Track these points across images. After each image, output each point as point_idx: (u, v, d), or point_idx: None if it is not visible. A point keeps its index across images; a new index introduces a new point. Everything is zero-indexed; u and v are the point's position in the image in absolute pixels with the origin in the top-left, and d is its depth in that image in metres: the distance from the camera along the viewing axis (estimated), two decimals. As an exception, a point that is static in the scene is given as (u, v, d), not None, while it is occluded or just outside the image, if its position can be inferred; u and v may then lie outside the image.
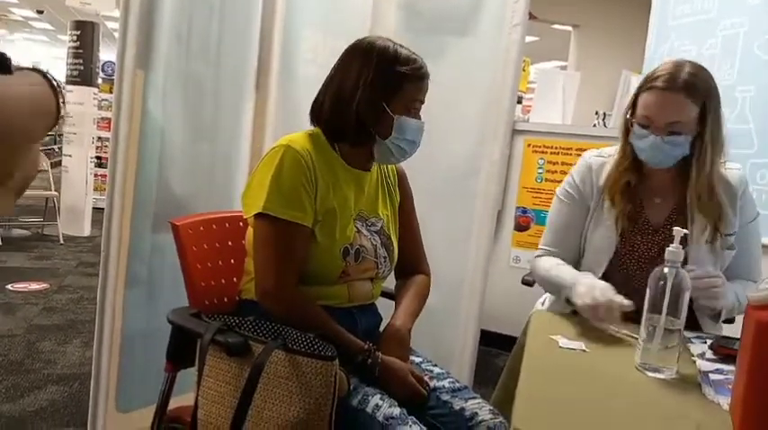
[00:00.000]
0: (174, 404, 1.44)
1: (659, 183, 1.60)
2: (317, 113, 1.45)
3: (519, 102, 4.15)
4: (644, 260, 1.58)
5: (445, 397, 1.36)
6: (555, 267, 1.62)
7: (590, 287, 1.43)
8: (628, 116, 1.56)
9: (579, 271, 1.62)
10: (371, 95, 1.37)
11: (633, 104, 1.55)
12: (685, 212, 1.56)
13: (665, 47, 2.81)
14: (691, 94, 1.46)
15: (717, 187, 1.53)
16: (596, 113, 5.22)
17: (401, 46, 1.43)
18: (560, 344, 1.31)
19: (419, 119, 1.45)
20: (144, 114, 1.86)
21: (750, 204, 1.61)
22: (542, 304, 1.80)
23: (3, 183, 0.61)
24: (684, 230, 1.23)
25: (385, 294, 1.58)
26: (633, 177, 1.59)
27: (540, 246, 1.72)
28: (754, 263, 1.61)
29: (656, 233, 1.59)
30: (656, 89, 1.48)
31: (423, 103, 1.45)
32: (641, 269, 1.56)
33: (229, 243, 1.60)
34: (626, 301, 1.38)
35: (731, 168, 1.59)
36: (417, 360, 1.47)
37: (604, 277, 1.59)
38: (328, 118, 1.42)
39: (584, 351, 1.28)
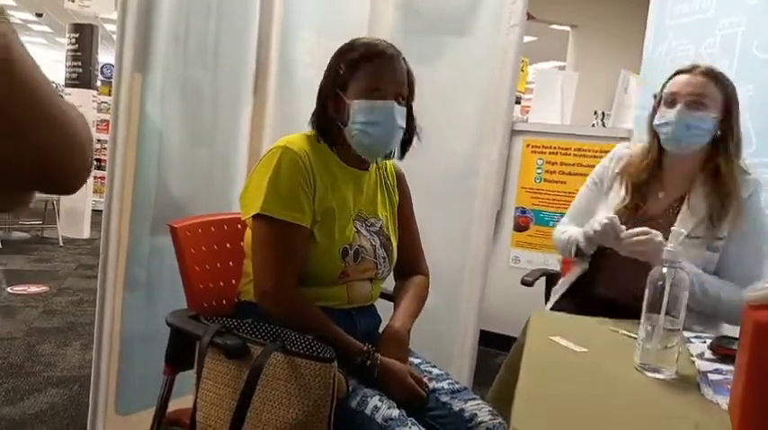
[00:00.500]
0: (173, 406, 1.44)
1: (670, 180, 1.67)
2: (312, 116, 1.47)
3: (517, 102, 4.15)
4: None
5: (444, 398, 1.36)
6: (566, 231, 1.78)
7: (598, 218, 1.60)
8: (654, 109, 1.66)
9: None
10: (329, 85, 1.40)
11: (659, 101, 1.65)
12: (681, 205, 1.62)
13: (663, 46, 2.81)
14: (715, 80, 1.59)
15: (736, 187, 1.58)
16: (595, 113, 5.23)
17: (369, 38, 1.45)
18: (560, 344, 1.31)
19: (383, 98, 1.38)
20: (142, 117, 1.86)
21: (753, 212, 1.60)
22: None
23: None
24: (683, 230, 1.24)
25: (384, 295, 1.58)
26: (649, 173, 1.68)
27: (562, 220, 1.89)
28: (746, 270, 1.58)
29: (650, 220, 1.64)
30: (683, 73, 1.62)
31: (388, 84, 1.38)
32: (627, 257, 1.60)
33: (228, 245, 1.60)
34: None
35: (745, 177, 1.62)
36: (416, 361, 1.47)
37: (598, 258, 1.69)
38: (316, 119, 1.45)
39: (583, 351, 1.28)
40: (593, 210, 1.78)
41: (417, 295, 1.54)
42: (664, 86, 1.66)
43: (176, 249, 1.49)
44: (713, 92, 1.58)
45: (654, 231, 1.50)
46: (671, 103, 1.61)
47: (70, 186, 0.65)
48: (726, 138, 1.59)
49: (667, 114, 1.61)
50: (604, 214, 1.65)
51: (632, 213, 1.67)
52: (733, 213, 1.58)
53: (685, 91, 1.59)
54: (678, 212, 1.63)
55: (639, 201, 1.69)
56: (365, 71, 1.38)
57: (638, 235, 1.50)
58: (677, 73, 1.64)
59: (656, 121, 1.65)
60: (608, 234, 1.54)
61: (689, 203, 1.62)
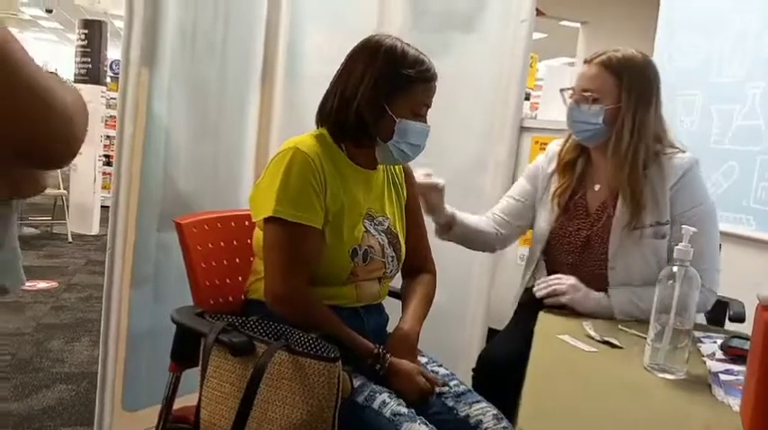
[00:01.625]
0: (181, 403, 1.44)
1: (603, 173, 1.66)
2: (322, 113, 1.44)
3: (527, 98, 4.12)
4: (574, 245, 1.66)
5: (450, 402, 1.35)
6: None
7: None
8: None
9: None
10: (373, 95, 1.35)
11: None
12: (617, 199, 1.61)
13: (673, 43, 2.78)
14: (606, 68, 1.57)
15: (638, 170, 1.55)
16: (605, 110, 5.18)
17: (409, 45, 1.40)
18: (570, 344, 1.30)
19: (425, 122, 1.43)
20: (149, 112, 1.86)
21: (689, 193, 1.56)
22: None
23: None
24: (693, 229, 1.22)
25: (391, 293, 1.57)
26: (578, 157, 1.70)
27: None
28: (697, 253, 1.56)
29: (587, 217, 1.66)
30: (584, 63, 1.63)
31: (429, 106, 1.43)
32: (572, 253, 1.65)
33: (234, 242, 1.59)
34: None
35: (679, 154, 1.59)
36: (423, 360, 1.45)
37: (544, 255, 1.74)
38: (332, 116, 1.40)
39: (592, 351, 1.27)
40: (519, 199, 1.79)
41: (425, 295, 1.52)
42: None
43: (182, 246, 1.49)
44: (605, 83, 1.56)
45: (564, 277, 1.55)
46: (571, 96, 1.63)
47: (60, 157, 0.68)
48: (622, 126, 1.55)
49: (567, 109, 1.64)
50: (545, 214, 1.71)
51: (570, 207, 1.68)
52: (663, 201, 1.55)
53: (577, 85, 1.61)
54: (615, 205, 1.61)
55: (578, 193, 1.69)
56: (417, 92, 1.38)
57: (550, 282, 1.55)
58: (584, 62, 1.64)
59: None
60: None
61: (622, 195, 1.59)
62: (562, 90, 1.67)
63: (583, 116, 1.59)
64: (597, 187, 1.67)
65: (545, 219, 1.71)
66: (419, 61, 1.38)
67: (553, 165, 1.74)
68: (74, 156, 0.69)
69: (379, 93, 1.36)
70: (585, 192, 1.69)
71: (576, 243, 1.65)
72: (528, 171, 1.83)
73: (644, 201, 1.55)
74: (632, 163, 1.55)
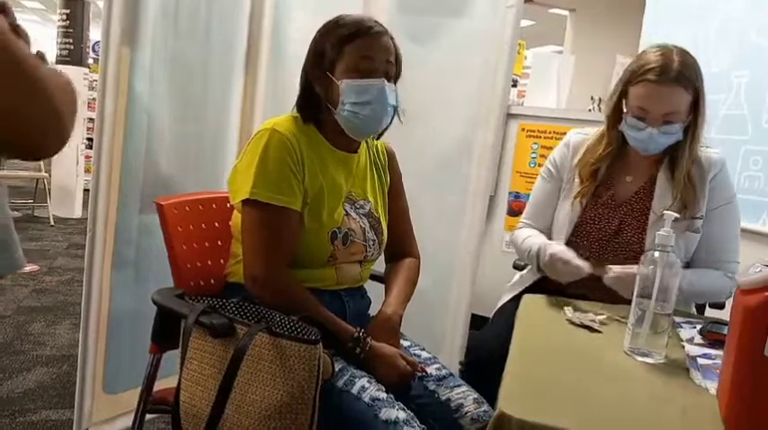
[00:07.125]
0: (162, 386, 1.43)
1: (636, 165, 1.65)
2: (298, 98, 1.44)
3: (514, 85, 4.11)
4: (604, 233, 1.64)
5: (431, 386, 1.35)
6: (528, 238, 1.70)
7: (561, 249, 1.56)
8: (616, 103, 1.59)
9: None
10: (317, 67, 1.36)
11: (623, 94, 1.57)
12: (652, 190, 1.61)
13: (660, 32, 2.78)
14: (684, 84, 1.49)
15: (693, 167, 1.58)
16: (591, 98, 5.18)
17: (356, 15, 1.39)
18: (572, 319, 1.34)
19: (377, 77, 1.34)
20: (130, 93, 1.83)
21: (723, 189, 1.61)
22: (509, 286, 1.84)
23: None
24: (675, 214, 1.22)
25: (374, 277, 1.56)
26: (607, 161, 1.65)
27: (521, 220, 1.82)
28: (723, 247, 1.61)
29: (618, 208, 1.64)
30: (650, 82, 1.50)
31: (375, 60, 1.34)
32: (600, 241, 1.63)
33: (216, 224, 1.57)
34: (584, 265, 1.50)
35: (709, 149, 1.62)
36: (405, 344, 1.45)
37: (567, 245, 1.64)
38: (298, 100, 1.42)
39: (597, 330, 1.30)
40: (553, 204, 1.72)
41: (409, 279, 1.52)
42: (628, 81, 1.55)
43: (163, 227, 1.47)
44: (683, 100, 1.50)
45: (633, 268, 1.41)
46: (640, 117, 1.52)
47: (38, 152, 0.70)
48: (693, 130, 1.55)
49: (637, 131, 1.53)
50: (569, 205, 1.65)
51: (598, 198, 1.65)
52: (702, 195, 1.58)
53: (655, 112, 1.50)
54: (650, 196, 1.61)
55: (606, 185, 1.66)
56: (354, 49, 1.34)
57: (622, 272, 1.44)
58: (642, 78, 1.50)
59: (624, 128, 1.57)
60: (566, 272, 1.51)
61: (660, 187, 1.60)
62: (624, 112, 1.57)
63: (666, 138, 1.53)
64: (629, 179, 1.65)
65: (567, 213, 1.67)
66: (357, 20, 1.36)
67: (578, 157, 1.68)
68: (63, 145, 0.71)
69: (322, 62, 1.36)
70: (614, 184, 1.66)
71: (607, 230, 1.63)
72: (546, 172, 1.76)
73: (696, 191, 1.57)
74: (694, 162, 1.58)
